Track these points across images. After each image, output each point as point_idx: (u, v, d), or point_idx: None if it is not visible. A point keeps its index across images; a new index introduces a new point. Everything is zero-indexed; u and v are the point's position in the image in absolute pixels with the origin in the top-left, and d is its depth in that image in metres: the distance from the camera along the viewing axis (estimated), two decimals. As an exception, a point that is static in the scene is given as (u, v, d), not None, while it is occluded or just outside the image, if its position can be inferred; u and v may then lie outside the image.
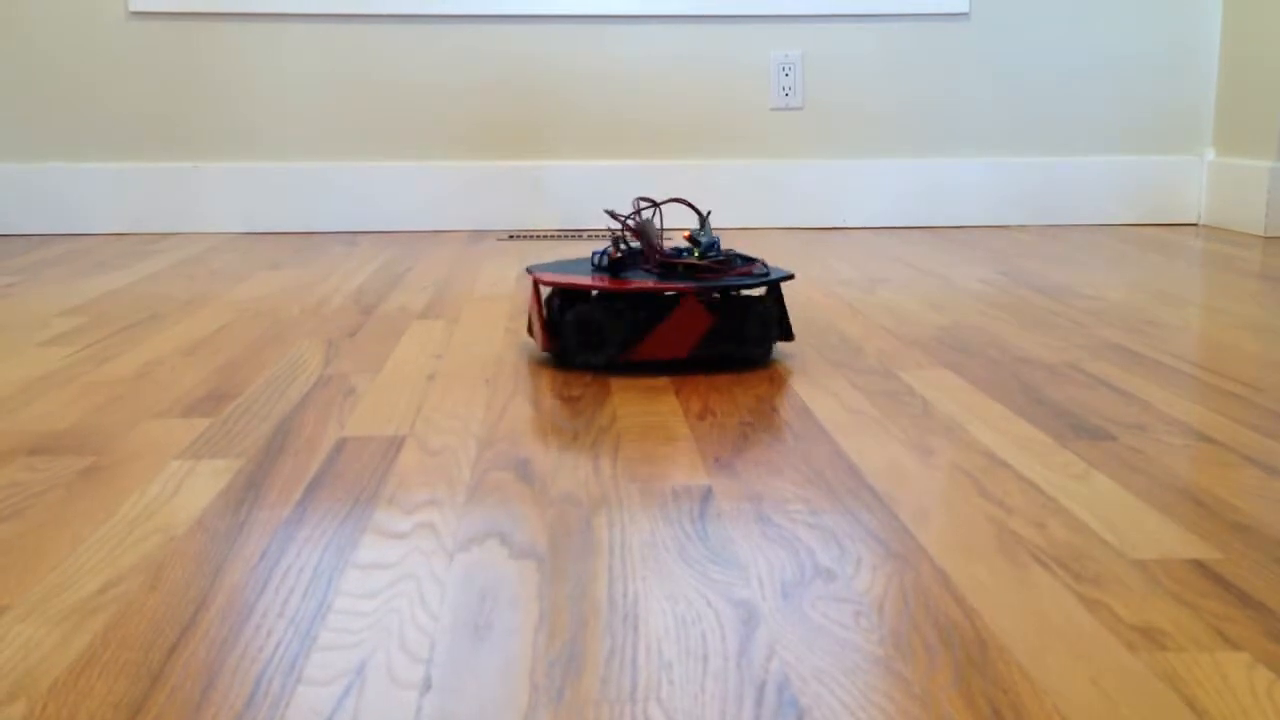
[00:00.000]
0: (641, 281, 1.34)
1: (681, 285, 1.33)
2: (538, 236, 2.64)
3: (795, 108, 2.77)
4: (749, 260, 1.41)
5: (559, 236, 2.64)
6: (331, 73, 2.70)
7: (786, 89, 2.76)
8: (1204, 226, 2.80)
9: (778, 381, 1.30)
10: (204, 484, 0.97)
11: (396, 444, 1.07)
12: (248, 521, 0.88)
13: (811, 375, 1.33)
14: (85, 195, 2.70)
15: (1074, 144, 2.82)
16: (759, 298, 1.37)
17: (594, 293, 1.35)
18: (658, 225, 1.43)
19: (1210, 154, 2.83)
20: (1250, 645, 0.67)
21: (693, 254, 1.39)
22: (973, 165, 2.80)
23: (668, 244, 1.42)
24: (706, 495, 0.93)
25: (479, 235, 2.67)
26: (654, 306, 1.34)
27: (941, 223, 2.82)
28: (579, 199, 2.76)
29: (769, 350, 1.38)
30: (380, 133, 2.73)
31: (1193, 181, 2.84)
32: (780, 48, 2.75)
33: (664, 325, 1.33)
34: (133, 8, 2.64)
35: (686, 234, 1.42)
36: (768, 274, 1.38)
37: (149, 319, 1.68)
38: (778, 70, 2.75)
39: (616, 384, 1.29)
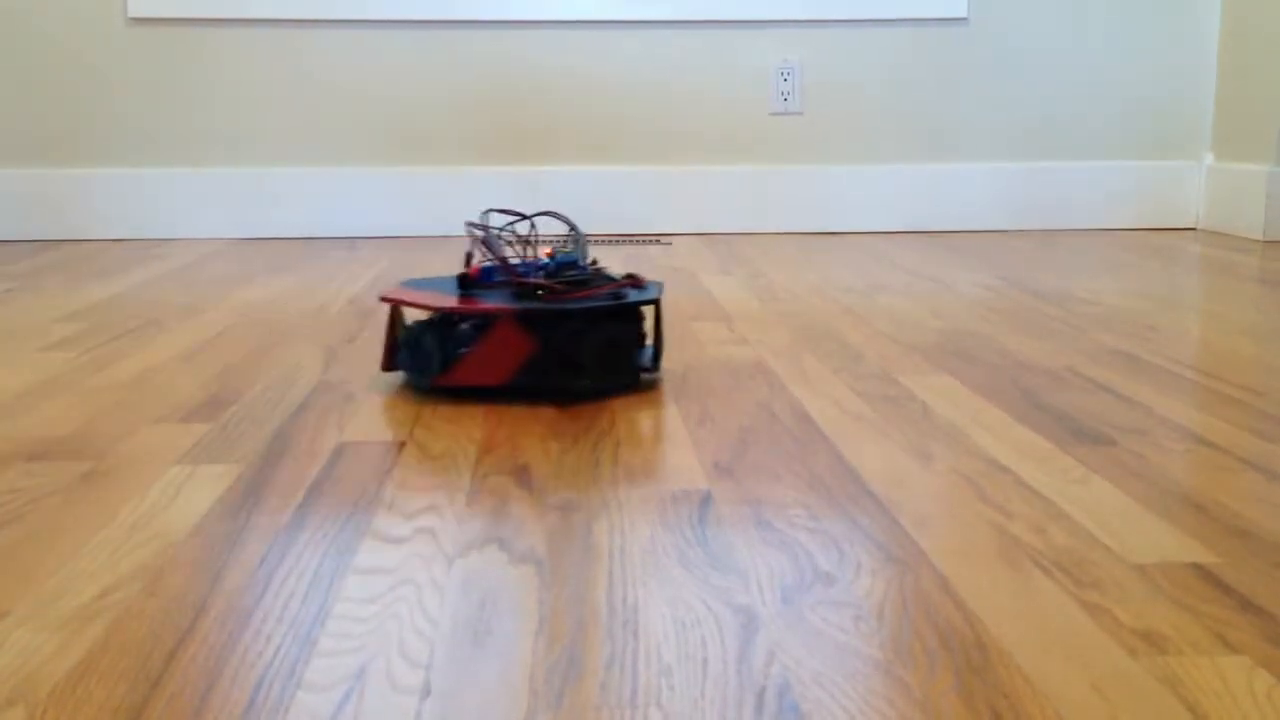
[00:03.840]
0: (451, 300, 1.25)
1: (495, 306, 1.22)
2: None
3: (794, 113, 2.77)
4: (616, 279, 1.30)
5: (558, 241, 2.64)
6: (332, 79, 2.70)
7: (785, 94, 2.76)
8: (1202, 231, 2.80)
9: (777, 387, 1.29)
10: (203, 489, 0.96)
11: (396, 449, 1.07)
12: (247, 527, 0.88)
13: (811, 380, 1.33)
14: (85, 201, 2.70)
15: (1072, 149, 2.82)
16: (605, 322, 1.25)
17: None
18: (530, 236, 1.36)
19: (1209, 158, 2.83)
20: (1250, 649, 0.67)
21: (541, 272, 1.29)
22: (972, 170, 2.81)
23: (528, 259, 1.33)
24: (706, 500, 0.93)
25: (478, 241, 2.67)
26: (477, 328, 1.24)
27: (941, 228, 2.83)
28: (579, 204, 2.76)
29: (621, 381, 1.26)
30: (380, 138, 2.73)
31: (1191, 186, 2.84)
32: (779, 53, 2.75)
33: (478, 350, 1.22)
34: (132, 13, 2.64)
35: (549, 249, 1.33)
36: (621, 297, 1.27)
37: (148, 325, 1.68)
38: (777, 75, 2.75)
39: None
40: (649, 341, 1.32)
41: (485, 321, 1.23)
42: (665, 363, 1.41)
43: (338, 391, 1.29)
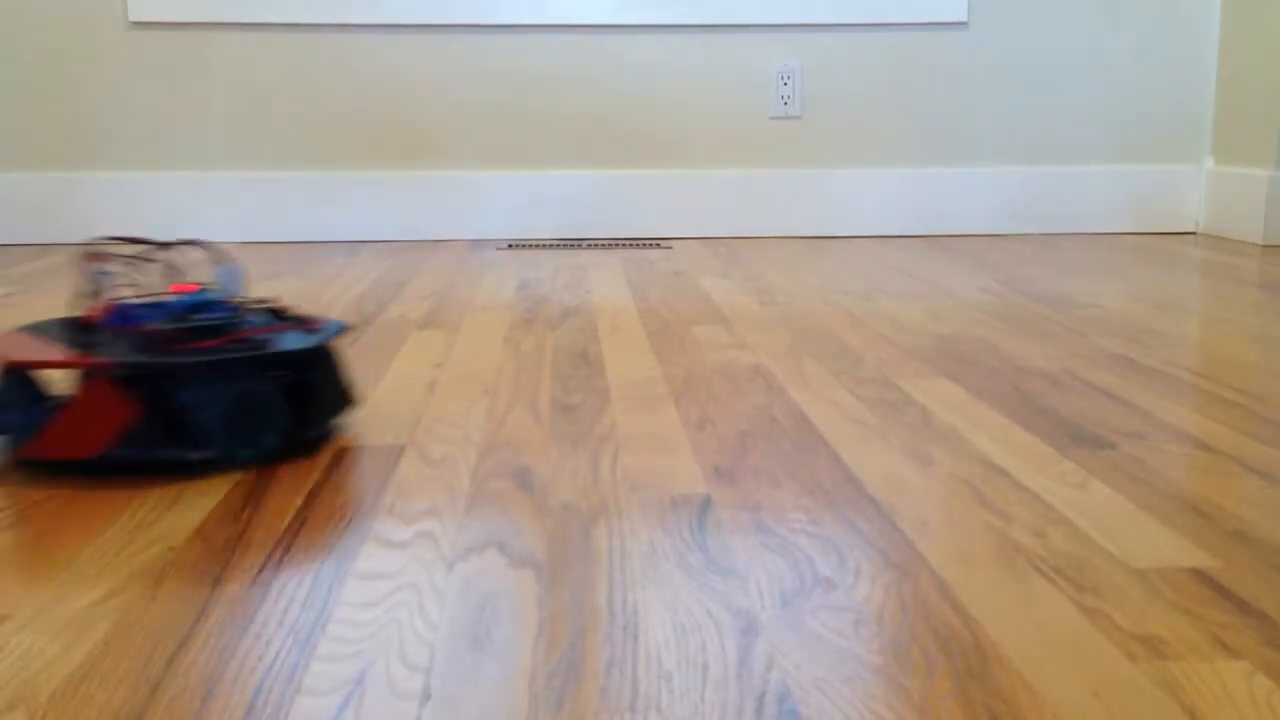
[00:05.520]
0: (45, 351, 1.02)
1: (89, 360, 0.99)
2: (537, 246, 2.64)
3: (794, 116, 2.77)
4: (262, 324, 1.10)
5: (558, 246, 2.64)
6: (332, 83, 2.70)
7: (785, 98, 2.76)
8: (1203, 235, 2.80)
9: (776, 391, 1.29)
10: (203, 493, 0.96)
11: (396, 453, 1.07)
12: (247, 531, 0.88)
13: (811, 384, 1.33)
14: (85, 205, 2.70)
15: (1073, 153, 2.83)
16: (232, 379, 1.02)
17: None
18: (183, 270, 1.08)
19: (1209, 163, 2.83)
20: (1250, 654, 0.67)
21: (161, 317, 1.06)
22: (972, 174, 2.81)
23: (160, 298, 1.12)
24: (706, 504, 0.93)
25: (479, 245, 2.67)
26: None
27: (940, 231, 2.83)
28: (578, 209, 2.76)
29: (256, 451, 1.03)
30: (381, 143, 2.73)
31: (1191, 190, 2.84)
32: (779, 57, 2.76)
33: (66, 414, 0.99)
34: (133, 17, 2.64)
35: (187, 286, 1.10)
36: (259, 346, 1.04)
37: (149, 328, 1.68)
38: (777, 80, 2.75)
39: (616, 393, 1.29)
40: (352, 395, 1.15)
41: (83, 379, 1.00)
42: (666, 368, 1.41)
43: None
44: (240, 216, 2.72)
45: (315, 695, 0.63)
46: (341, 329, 1.14)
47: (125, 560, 0.82)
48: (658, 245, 2.64)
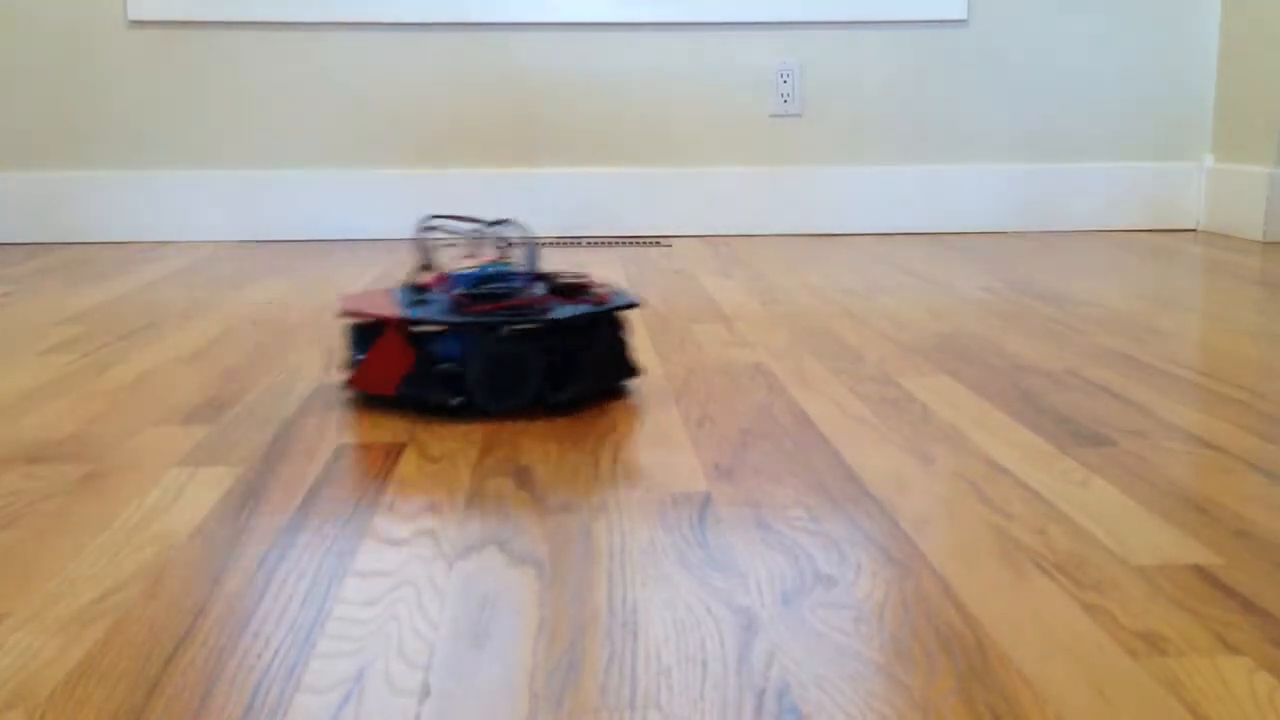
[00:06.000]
0: (382, 306, 1.24)
1: (381, 314, 1.21)
2: (537, 244, 2.64)
3: (794, 114, 2.77)
4: (539, 295, 1.24)
5: (558, 244, 2.64)
6: (331, 81, 2.70)
7: (786, 95, 2.76)
8: (1203, 232, 2.80)
9: (777, 389, 1.29)
10: (203, 491, 0.96)
11: (396, 451, 1.07)
12: (246, 529, 0.88)
13: (811, 382, 1.33)
14: (83, 203, 2.70)
15: (1073, 150, 2.82)
16: (498, 340, 1.18)
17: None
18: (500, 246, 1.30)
19: (1209, 160, 2.83)
20: (1251, 650, 0.67)
21: (467, 285, 1.25)
22: (972, 172, 2.81)
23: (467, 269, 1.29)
24: (706, 502, 0.93)
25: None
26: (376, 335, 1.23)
27: (941, 229, 2.83)
28: (578, 206, 2.76)
29: (510, 405, 1.19)
30: (380, 140, 2.73)
31: (1191, 187, 2.84)
32: (779, 55, 2.76)
33: (369, 358, 1.22)
34: (132, 16, 2.64)
35: (489, 258, 1.29)
36: (532, 314, 1.20)
37: (147, 327, 1.68)
38: (777, 77, 2.75)
39: (615, 392, 1.29)
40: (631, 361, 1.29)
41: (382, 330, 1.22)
42: (666, 366, 1.41)
43: (337, 393, 1.29)
44: (237, 214, 2.72)
45: (315, 693, 0.63)
46: (622, 304, 1.26)
47: (124, 558, 0.82)
48: (658, 243, 2.64)
